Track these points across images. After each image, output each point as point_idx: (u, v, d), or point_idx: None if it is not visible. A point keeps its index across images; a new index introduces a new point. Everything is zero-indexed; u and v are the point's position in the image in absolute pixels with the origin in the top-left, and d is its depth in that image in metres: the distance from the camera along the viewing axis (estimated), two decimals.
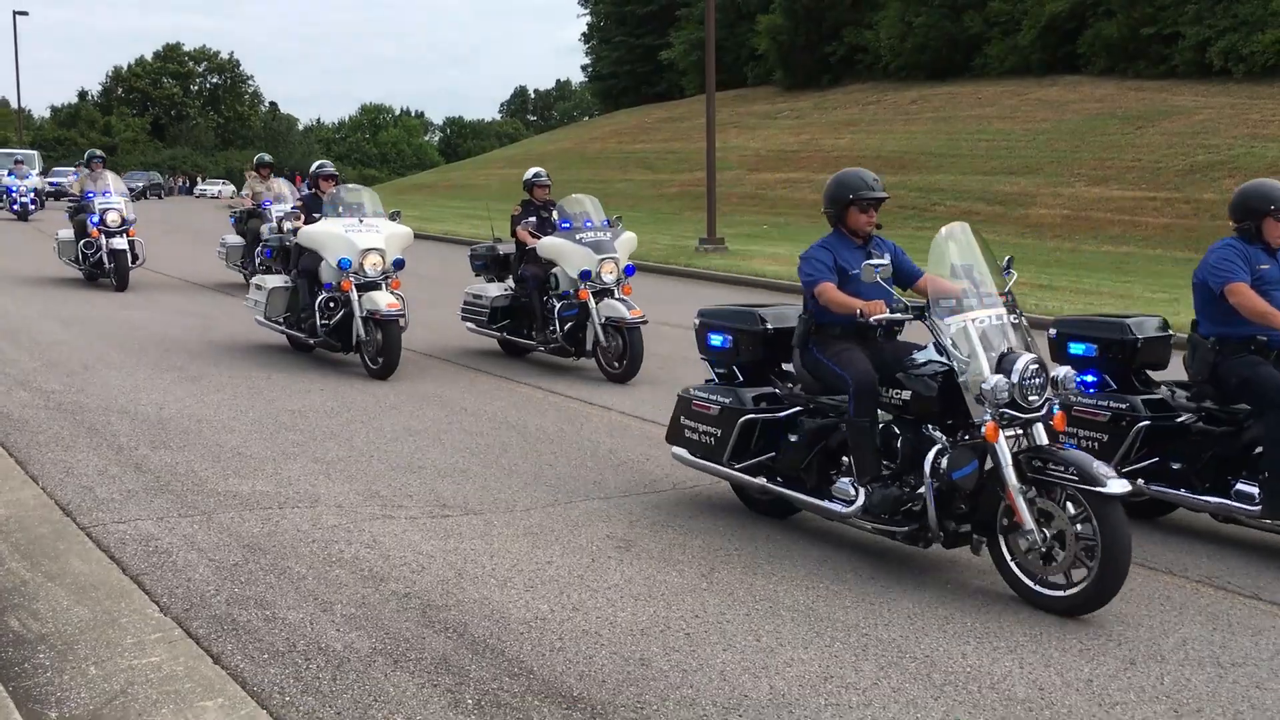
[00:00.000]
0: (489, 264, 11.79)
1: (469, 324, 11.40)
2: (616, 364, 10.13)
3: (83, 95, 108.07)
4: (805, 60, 47.03)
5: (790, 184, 33.72)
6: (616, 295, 10.22)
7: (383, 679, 4.00)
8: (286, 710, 3.75)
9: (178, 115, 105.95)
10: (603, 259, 10.20)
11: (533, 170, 12.16)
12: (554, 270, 10.47)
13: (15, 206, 30.74)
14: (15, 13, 53.47)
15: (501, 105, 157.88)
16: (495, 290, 11.17)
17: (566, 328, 10.39)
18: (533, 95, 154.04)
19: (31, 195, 31.17)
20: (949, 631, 4.63)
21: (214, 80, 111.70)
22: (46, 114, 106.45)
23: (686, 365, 10.14)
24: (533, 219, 11.10)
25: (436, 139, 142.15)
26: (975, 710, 3.92)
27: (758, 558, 5.49)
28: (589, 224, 10.51)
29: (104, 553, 5.14)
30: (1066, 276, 19.08)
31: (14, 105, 71.50)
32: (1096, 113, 30.71)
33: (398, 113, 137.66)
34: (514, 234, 11.20)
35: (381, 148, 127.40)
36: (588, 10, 74.03)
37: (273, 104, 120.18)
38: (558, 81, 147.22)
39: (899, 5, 42.59)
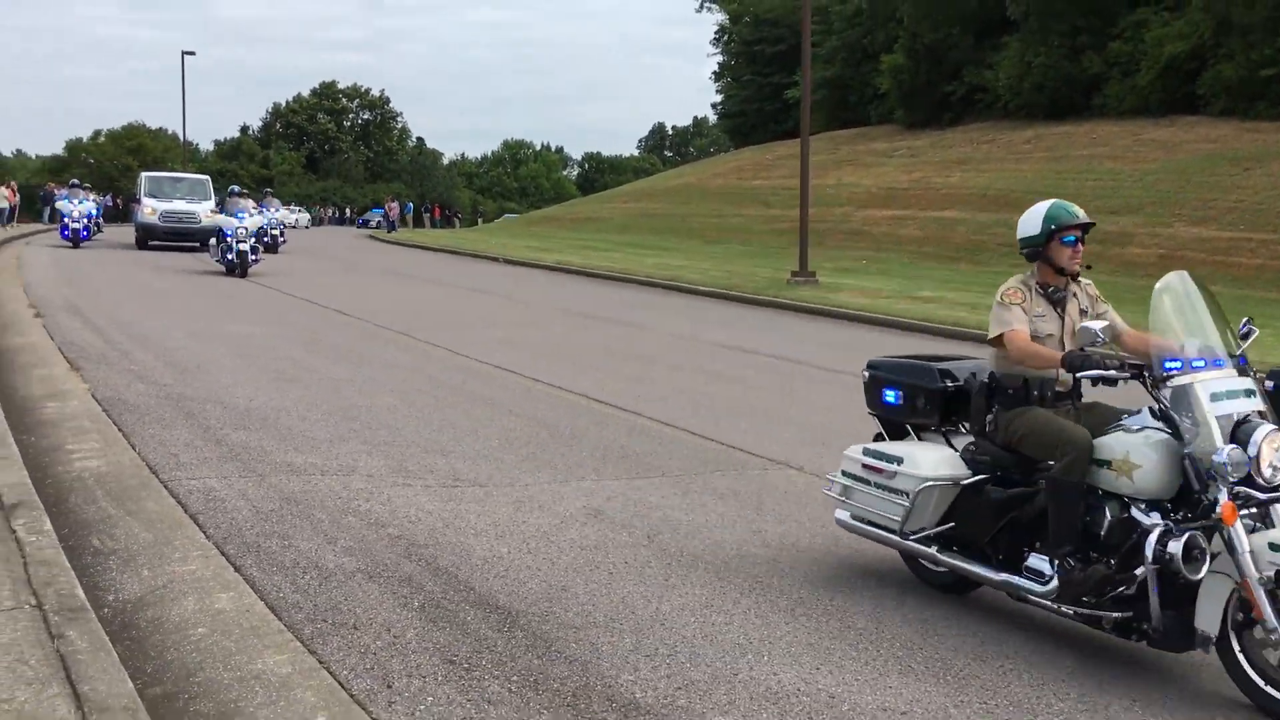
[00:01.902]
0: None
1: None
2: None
3: (244, 130, 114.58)
4: (926, 99, 47.45)
5: (895, 221, 34.33)
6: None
7: (357, 588, 5.21)
8: (279, 602, 4.98)
9: (330, 149, 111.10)
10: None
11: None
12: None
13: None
14: (183, 53, 57.93)
15: (640, 141, 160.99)
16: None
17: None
18: (670, 132, 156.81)
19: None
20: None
21: (365, 116, 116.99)
22: (211, 147, 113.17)
23: (721, 382, 11.20)
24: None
25: (575, 174, 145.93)
26: None
27: (694, 529, 6.52)
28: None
29: (174, 498, 6.49)
30: (1137, 313, 19.40)
31: (181, 138, 76.29)
32: (1207, 153, 30.57)
33: (538, 148, 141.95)
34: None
35: (521, 181, 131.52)
36: (719, 49, 75.58)
37: (420, 139, 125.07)
38: (695, 118, 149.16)
39: (1019, 45, 42.79)
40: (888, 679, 4.49)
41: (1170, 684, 4.59)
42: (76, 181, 36.56)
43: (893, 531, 5.36)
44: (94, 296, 17.96)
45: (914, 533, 5.27)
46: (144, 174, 35.96)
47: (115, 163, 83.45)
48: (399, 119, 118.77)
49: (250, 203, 26.66)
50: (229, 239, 23.34)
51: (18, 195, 45.07)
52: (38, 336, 12.82)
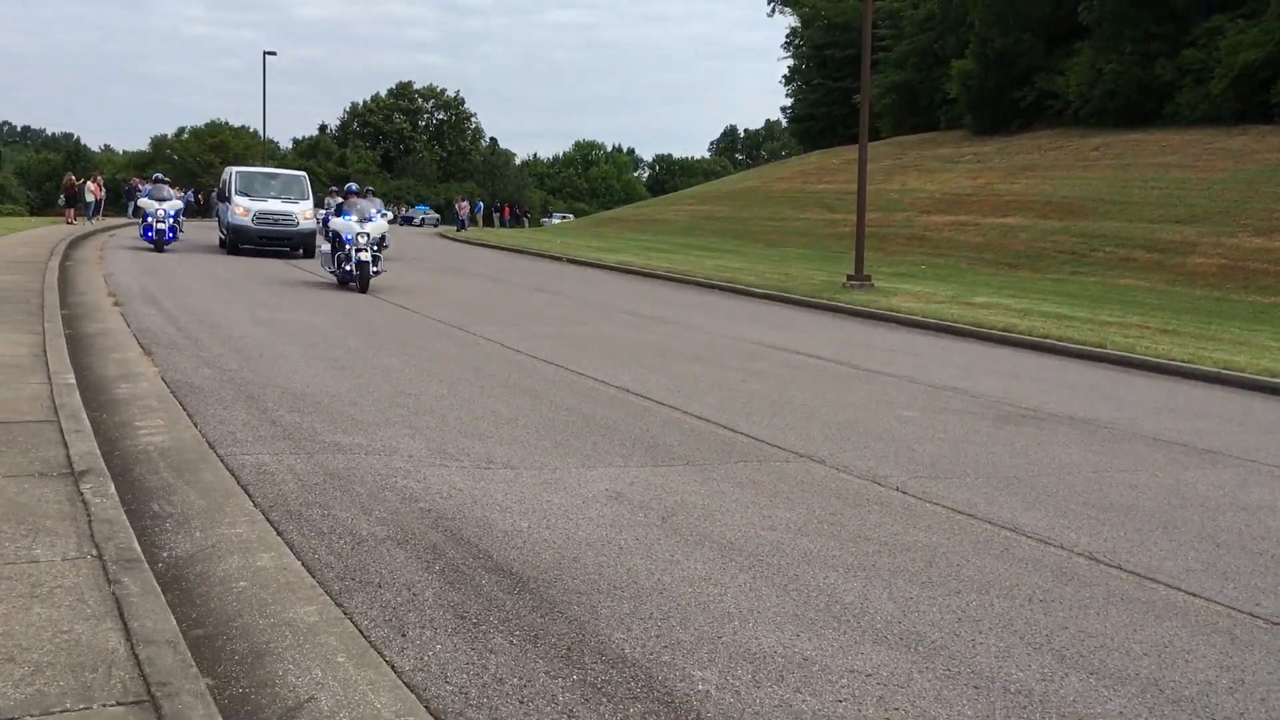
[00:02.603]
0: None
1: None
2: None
3: (323, 129, 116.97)
4: (995, 105, 47.24)
5: (957, 226, 34.30)
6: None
7: (384, 552, 5.70)
8: (313, 562, 5.48)
9: (405, 149, 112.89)
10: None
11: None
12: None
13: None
14: (265, 53, 59.69)
15: (711, 144, 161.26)
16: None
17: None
18: (742, 134, 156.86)
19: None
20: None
21: (440, 117, 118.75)
22: (290, 145, 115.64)
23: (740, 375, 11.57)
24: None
25: (646, 175, 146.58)
26: None
27: (708, 513, 6.92)
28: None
29: (228, 471, 7.05)
30: (1194, 323, 19.42)
31: (262, 136, 78.19)
32: (1278, 163, 30.19)
33: (609, 149, 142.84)
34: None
35: (592, 182, 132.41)
36: (789, 53, 75.66)
37: (493, 139, 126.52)
38: (767, 121, 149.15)
39: (1090, 52, 42.46)
40: (861, 647, 4.86)
41: (1131, 659, 4.90)
42: (161, 176, 32.29)
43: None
44: (178, 295, 18.80)
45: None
46: (232, 169, 30.91)
47: (198, 159, 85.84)
48: (473, 119, 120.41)
49: (378, 202, 22.46)
50: (348, 245, 20.16)
51: (104, 190, 46.65)
52: (115, 324, 13.57)
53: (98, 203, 43.97)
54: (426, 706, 4.02)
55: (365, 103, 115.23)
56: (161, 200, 28.30)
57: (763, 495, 7.39)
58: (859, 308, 21.53)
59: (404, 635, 4.66)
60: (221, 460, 7.31)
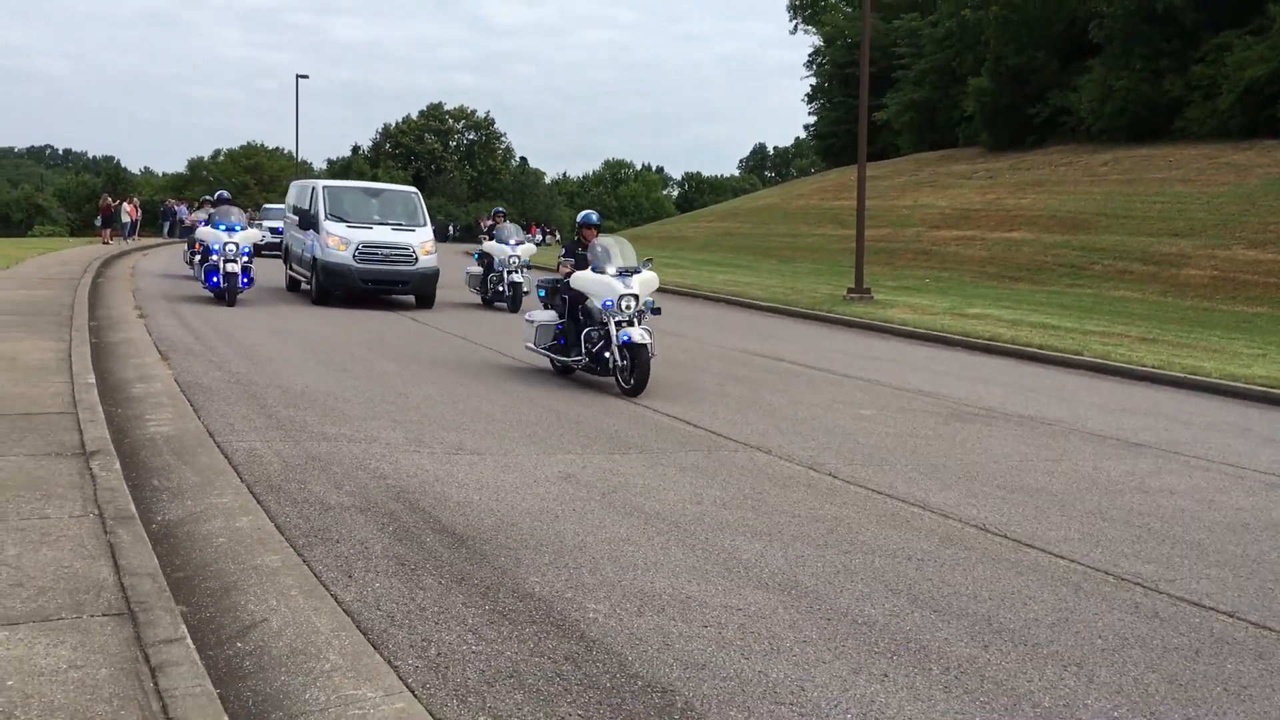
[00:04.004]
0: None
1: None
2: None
3: (355, 149, 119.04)
4: (1009, 122, 47.83)
5: (964, 241, 34.97)
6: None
7: (347, 517, 6.59)
8: (284, 524, 6.37)
9: (437, 169, 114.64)
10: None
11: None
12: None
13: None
14: (298, 76, 61.24)
15: (741, 161, 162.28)
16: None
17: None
18: (771, 152, 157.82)
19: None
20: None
21: (470, 137, 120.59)
22: (324, 166, 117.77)
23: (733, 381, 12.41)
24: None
25: (675, 194, 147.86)
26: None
27: (647, 491, 7.76)
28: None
29: (223, 454, 7.97)
30: (1175, 332, 20.06)
31: (295, 158, 79.97)
32: (1278, 177, 30.70)
33: (638, 168, 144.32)
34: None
35: (621, 200, 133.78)
36: (812, 72, 76.54)
37: (523, 159, 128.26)
38: (796, 139, 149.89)
39: (1101, 69, 43.02)
40: (742, 590, 5.69)
41: (975, 602, 5.69)
42: (225, 195, 23.52)
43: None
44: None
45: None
46: (316, 184, 22.09)
47: (233, 180, 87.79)
48: (503, 139, 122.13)
49: (518, 228, 23.05)
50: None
51: (140, 211, 48.19)
52: (138, 333, 14.60)
53: (133, 224, 45.44)
54: (357, 625, 4.89)
55: (397, 123, 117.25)
56: (230, 230, 19.58)
57: (702, 478, 8.23)
58: (855, 319, 22.30)
59: (350, 577, 5.54)
60: (218, 446, 8.24)
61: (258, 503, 6.78)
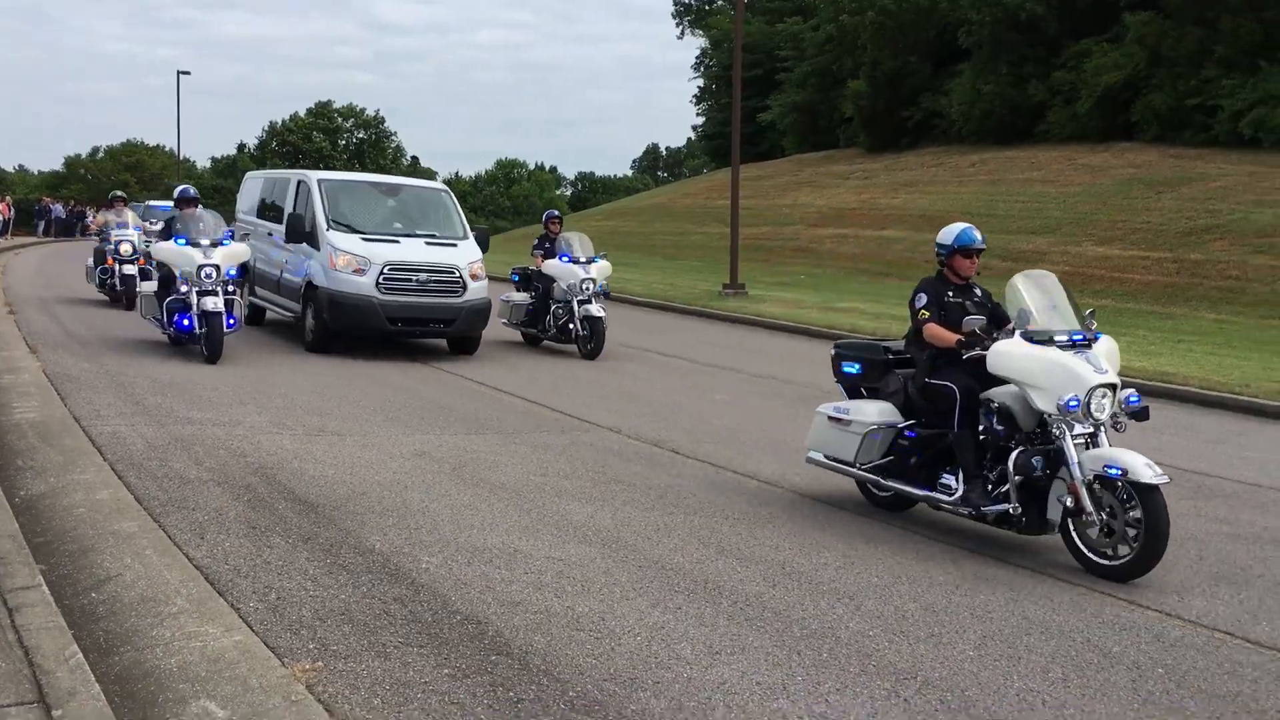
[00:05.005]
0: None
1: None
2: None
3: (241, 147, 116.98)
4: (886, 124, 49.38)
5: (839, 239, 36.21)
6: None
7: (205, 489, 7.03)
8: (143, 496, 6.78)
9: (326, 167, 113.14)
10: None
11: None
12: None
13: None
14: (179, 72, 60.23)
15: (634, 161, 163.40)
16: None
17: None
18: (664, 152, 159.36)
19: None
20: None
21: (360, 136, 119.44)
22: (208, 164, 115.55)
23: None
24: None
25: (569, 193, 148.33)
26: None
27: (495, 464, 8.33)
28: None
29: (87, 437, 8.31)
30: None
31: (177, 156, 78.54)
32: (1129, 178, 32.45)
33: (531, 167, 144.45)
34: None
35: (514, 200, 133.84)
36: (699, 74, 77.72)
37: (414, 158, 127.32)
38: (688, 139, 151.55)
39: (971, 73, 44.73)
40: (566, 545, 6.30)
41: (777, 552, 6.38)
42: (193, 193, 14.30)
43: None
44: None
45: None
46: (310, 177, 15.49)
47: (112, 178, 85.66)
48: (393, 138, 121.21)
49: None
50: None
51: (12, 210, 47.06)
52: (6, 328, 14.65)
53: (6, 222, 44.39)
54: (205, 577, 5.37)
55: (284, 121, 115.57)
56: (205, 245, 12.82)
57: (550, 454, 8.82)
58: (728, 313, 23.13)
59: (202, 538, 6.00)
60: (84, 430, 8.56)
61: (119, 478, 7.17)
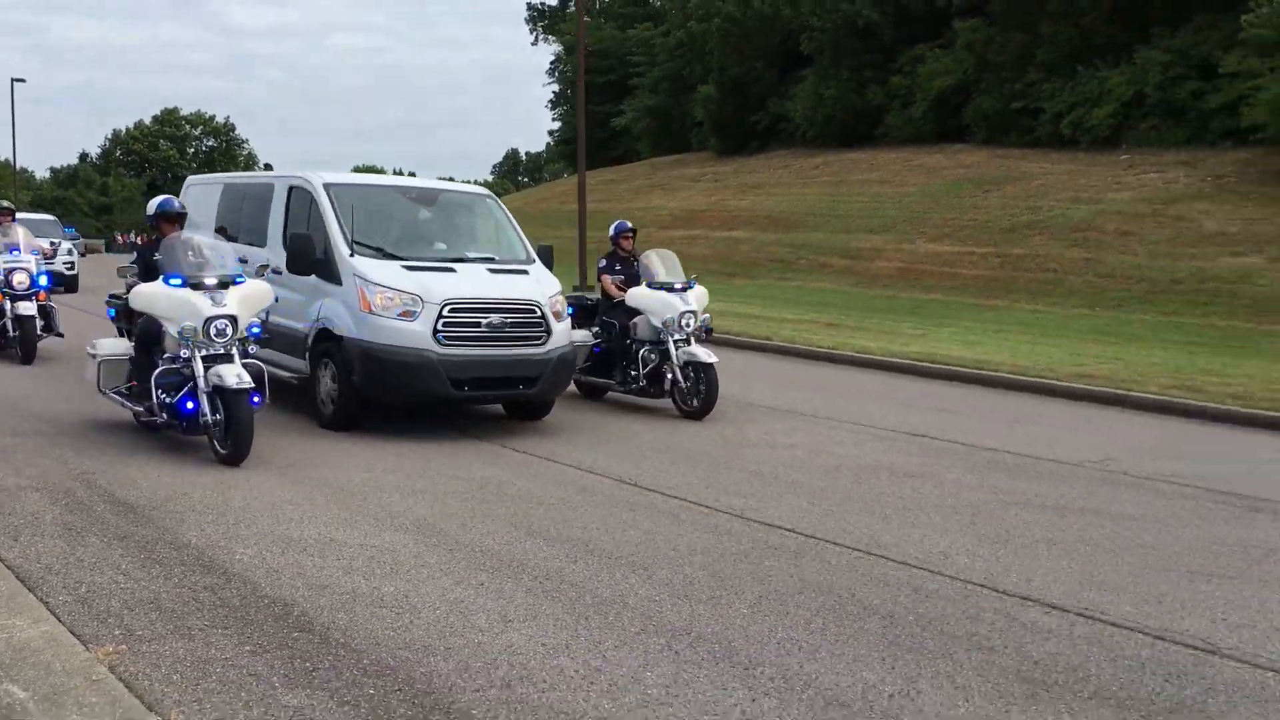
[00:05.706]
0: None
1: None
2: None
3: (83, 157, 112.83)
4: (734, 128, 50.59)
5: (689, 240, 37.00)
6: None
7: (24, 495, 7.12)
8: None
9: (173, 176, 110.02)
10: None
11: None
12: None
13: None
14: (13, 79, 57.87)
15: (495, 166, 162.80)
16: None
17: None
18: (524, 157, 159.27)
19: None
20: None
21: (210, 144, 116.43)
22: (47, 175, 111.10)
23: None
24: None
25: None
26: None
27: (326, 464, 8.56)
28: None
29: None
30: (857, 318, 22.31)
31: (13, 166, 75.36)
32: (960, 178, 34.07)
33: (390, 173, 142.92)
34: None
35: None
36: (554, 79, 78.17)
37: (267, 165, 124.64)
38: (547, 144, 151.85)
39: (814, 79, 46.18)
40: (383, 533, 6.59)
41: (584, 531, 6.79)
42: (177, 206, 9.88)
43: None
44: None
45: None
46: (314, 181, 10.96)
47: None
48: (245, 145, 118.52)
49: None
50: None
51: None
52: None
53: None
54: (16, 575, 5.52)
55: (129, 129, 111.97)
56: (212, 285, 8.60)
57: (382, 453, 9.08)
58: None
59: (17, 540, 6.12)
60: None
61: None
